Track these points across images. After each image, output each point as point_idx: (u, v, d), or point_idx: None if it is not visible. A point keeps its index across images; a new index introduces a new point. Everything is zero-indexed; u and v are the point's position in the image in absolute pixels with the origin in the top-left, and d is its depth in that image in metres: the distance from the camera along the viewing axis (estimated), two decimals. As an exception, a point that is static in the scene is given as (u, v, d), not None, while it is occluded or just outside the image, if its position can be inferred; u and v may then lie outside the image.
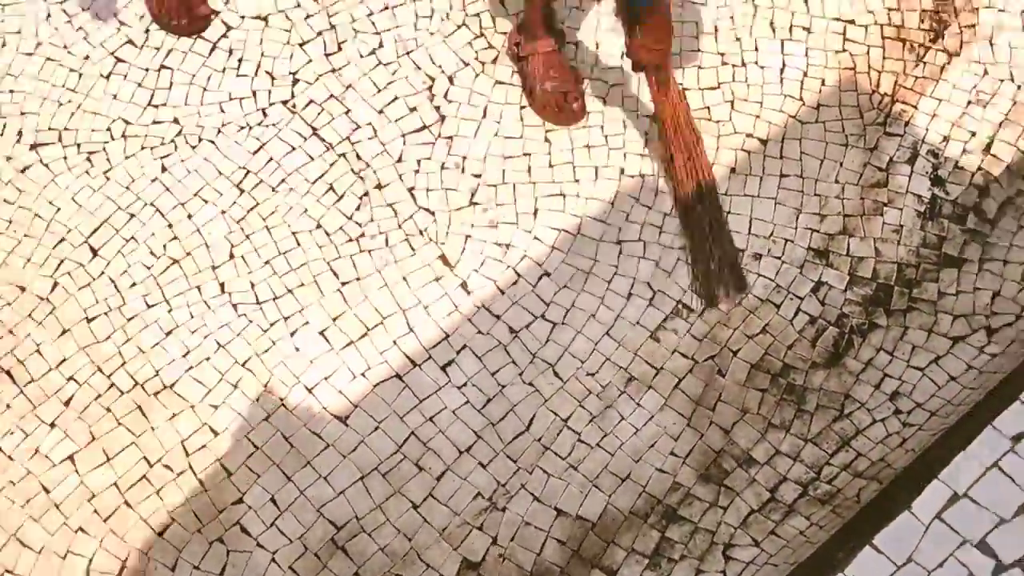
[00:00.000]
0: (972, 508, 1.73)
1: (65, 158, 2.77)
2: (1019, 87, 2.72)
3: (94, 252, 2.64)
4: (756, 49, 2.84)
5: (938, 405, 2.31)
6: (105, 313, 2.56)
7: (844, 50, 2.83)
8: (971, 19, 2.84)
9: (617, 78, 2.82)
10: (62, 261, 2.63)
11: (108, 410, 2.44)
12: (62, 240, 2.65)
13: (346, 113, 2.82)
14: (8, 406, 2.46)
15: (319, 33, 2.93)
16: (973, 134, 2.67)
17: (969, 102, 2.72)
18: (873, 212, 2.59)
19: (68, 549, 2.30)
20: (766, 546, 2.19)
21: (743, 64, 2.83)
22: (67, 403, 2.45)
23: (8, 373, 2.49)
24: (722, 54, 2.83)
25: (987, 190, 2.60)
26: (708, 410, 2.39)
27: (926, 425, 2.27)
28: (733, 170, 2.68)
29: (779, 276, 2.53)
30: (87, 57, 2.92)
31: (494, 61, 2.85)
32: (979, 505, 1.73)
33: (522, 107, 2.77)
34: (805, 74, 2.81)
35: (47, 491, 2.36)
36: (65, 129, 2.82)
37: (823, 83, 2.80)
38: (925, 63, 2.79)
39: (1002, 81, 2.74)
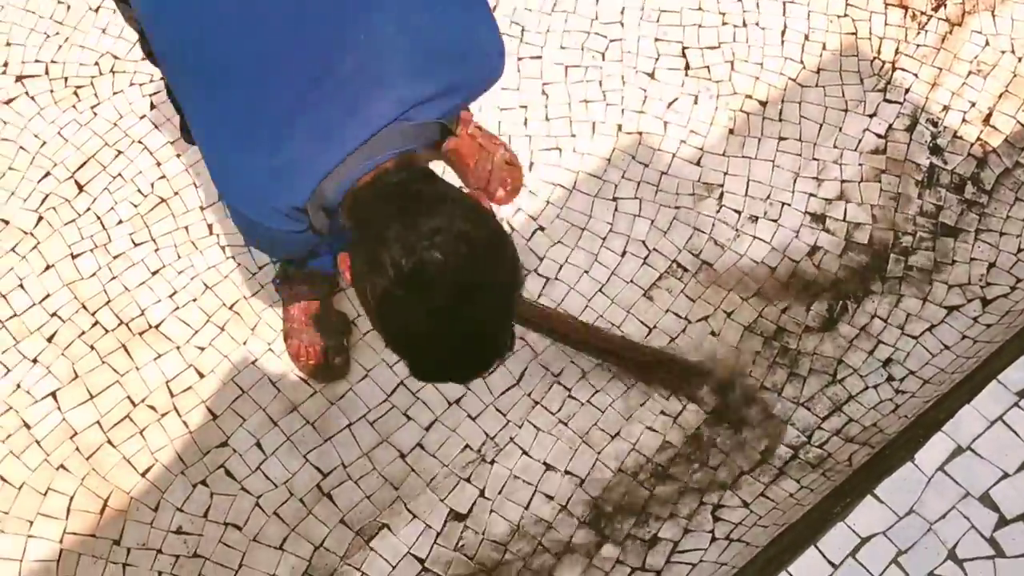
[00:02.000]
0: (976, 461, 1.74)
1: (52, 91, 2.70)
2: (1020, 59, 2.71)
3: (80, 188, 2.58)
4: (758, 9, 2.81)
5: (931, 373, 2.31)
6: (91, 250, 2.50)
7: (846, 15, 2.81)
8: (974, -10, 2.83)
9: (617, 33, 2.78)
10: (47, 196, 2.57)
11: (92, 348, 2.40)
12: (47, 174, 2.59)
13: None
14: (-11, 340, 2.41)
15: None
16: (973, 104, 2.66)
17: (970, 72, 2.71)
18: (871, 179, 2.58)
19: (49, 486, 2.26)
20: (755, 507, 2.18)
21: (744, 25, 2.80)
22: (50, 339, 2.40)
23: (-10, 307, 2.44)
24: (723, 13, 2.80)
25: (985, 161, 2.60)
26: (700, 370, 2.38)
27: (919, 392, 2.27)
28: (731, 131, 2.66)
29: (775, 239, 2.52)
30: (76, -12, 2.85)
31: (493, 10, 2.80)
32: (982, 458, 1.74)
33: (519, 58, 2.73)
34: (806, 37, 2.78)
35: (28, 427, 2.32)
36: (52, 62, 2.75)
37: (824, 47, 2.77)
38: (927, 31, 2.77)
39: (1003, 53, 2.73)
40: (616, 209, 2.56)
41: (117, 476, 2.27)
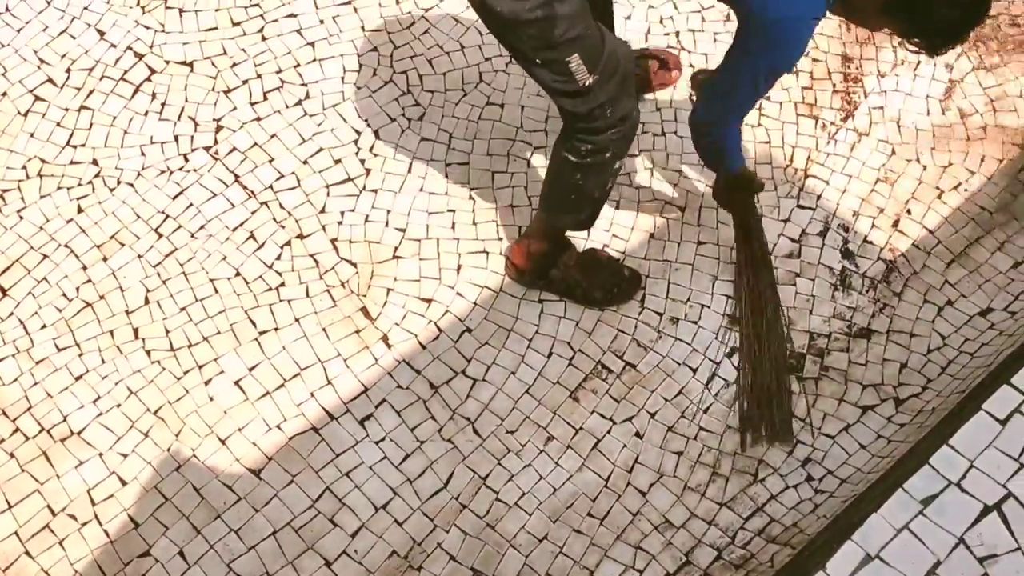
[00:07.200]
0: (884, 570, 1.78)
1: (-24, 194, 2.70)
2: (924, 168, 2.85)
3: (3, 292, 2.56)
4: (676, 120, 2.92)
5: (848, 473, 2.37)
6: (12, 355, 2.48)
7: (759, 124, 2.93)
8: (880, 101, 2.97)
9: (540, 141, 2.86)
10: (-32, 300, 2.55)
11: (11, 455, 2.36)
12: (-31, 278, 2.58)
13: (269, 162, 2.81)
14: (-97, 449, 2.35)
15: (245, 81, 2.92)
16: (881, 210, 2.78)
17: (878, 179, 2.83)
18: (786, 282, 2.67)
19: (-38, 601, 2.20)
20: (681, 609, 2.21)
21: (663, 133, 2.90)
22: (-33, 448, 2.36)
23: (-95, 415, 2.39)
24: (643, 123, 2.89)
25: (894, 264, 2.70)
26: (625, 471, 2.41)
27: (837, 492, 2.33)
28: (652, 235, 2.74)
29: (695, 340, 2.58)
30: (4, 93, 2.86)
31: (420, 118, 2.88)
32: (891, 567, 1.78)
33: (447, 164, 2.80)
34: (723, 145, 2.89)
35: (-58, 539, 2.26)
36: (-22, 165, 2.75)
37: (740, 155, 2.88)
38: (837, 140, 2.90)
39: (908, 161, 2.86)
40: (542, 311, 2.61)
41: (34, 589, 2.22)
